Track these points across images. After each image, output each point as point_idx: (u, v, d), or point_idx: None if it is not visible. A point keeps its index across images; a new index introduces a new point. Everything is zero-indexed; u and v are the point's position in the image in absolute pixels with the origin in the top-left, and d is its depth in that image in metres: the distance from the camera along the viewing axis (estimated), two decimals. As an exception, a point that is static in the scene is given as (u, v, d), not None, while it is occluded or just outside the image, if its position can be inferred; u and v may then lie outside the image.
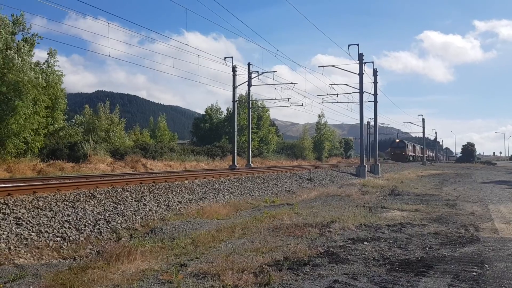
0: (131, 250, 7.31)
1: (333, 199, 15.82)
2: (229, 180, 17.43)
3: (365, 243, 8.12)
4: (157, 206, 11.70)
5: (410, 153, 76.56)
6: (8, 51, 25.16)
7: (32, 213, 8.62)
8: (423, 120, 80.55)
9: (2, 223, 7.83)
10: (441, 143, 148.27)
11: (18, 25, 27.92)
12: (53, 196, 9.83)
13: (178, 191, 13.59)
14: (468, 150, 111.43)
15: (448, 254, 7.32)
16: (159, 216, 11.09)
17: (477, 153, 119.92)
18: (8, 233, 7.61)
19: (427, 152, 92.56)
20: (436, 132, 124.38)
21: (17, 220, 8.13)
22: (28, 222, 8.20)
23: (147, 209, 11.21)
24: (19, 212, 8.46)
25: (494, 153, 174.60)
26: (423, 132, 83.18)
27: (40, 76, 27.18)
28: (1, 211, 8.26)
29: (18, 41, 27.45)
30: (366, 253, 7.29)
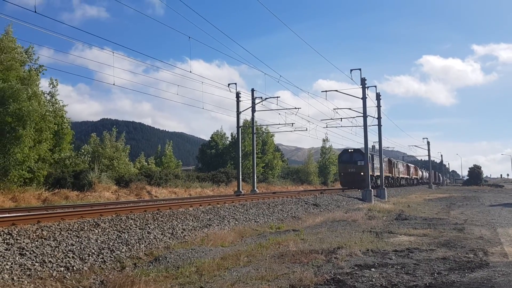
0: (135, 280, 7.23)
1: (339, 225, 15.64)
2: (234, 206, 17.33)
3: (372, 269, 7.99)
4: (162, 234, 11.61)
5: (395, 174, 53.83)
6: (15, 81, 25.59)
7: (36, 243, 8.58)
8: (428, 143, 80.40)
9: (6, 253, 7.79)
10: (447, 166, 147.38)
11: (27, 56, 28.55)
12: (57, 225, 9.80)
13: (182, 218, 13.50)
14: (475, 172, 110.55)
15: (457, 279, 7.18)
16: (163, 244, 10.99)
17: (484, 176, 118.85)
18: (12, 263, 7.56)
19: (432, 175, 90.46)
20: (441, 155, 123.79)
21: (21, 250, 8.09)
22: (31, 252, 8.15)
23: (152, 237, 11.13)
24: (23, 242, 8.42)
25: (501, 175, 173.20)
26: (429, 155, 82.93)
27: (45, 105, 27.56)
28: (5, 241, 8.23)
29: (25, 71, 27.96)
30: (374, 279, 7.16)
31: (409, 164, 72.15)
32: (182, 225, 12.87)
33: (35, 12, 12.37)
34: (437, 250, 10.05)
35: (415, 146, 79.56)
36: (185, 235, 12.22)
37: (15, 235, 8.57)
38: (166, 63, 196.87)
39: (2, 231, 8.65)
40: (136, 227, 11.34)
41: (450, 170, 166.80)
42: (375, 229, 14.01)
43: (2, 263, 7.45)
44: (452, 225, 15.45)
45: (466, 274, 7.57)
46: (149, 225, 11.83)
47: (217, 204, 17.18)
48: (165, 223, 12.53)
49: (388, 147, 74.79)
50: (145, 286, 6.93)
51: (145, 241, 10.69)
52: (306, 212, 20.90)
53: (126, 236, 10.50)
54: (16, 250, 8.02)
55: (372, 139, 77.51)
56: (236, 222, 15.29)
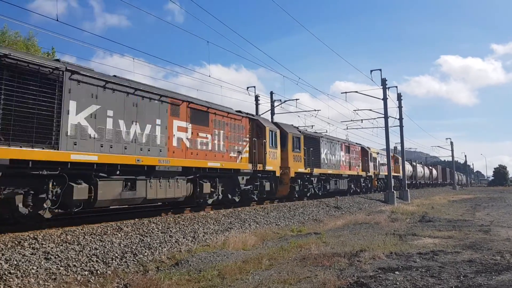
0: (158, 283, 7.29)
1: (361, 227, 15.47)
2: (254, 209, 17.32)
3: (396, 272, 7.86)
4: (183, 238, 11.67)
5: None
6: None
7: (61, 247, 8.71)
8: (451, 143, 79.14)
9: (31, 258, 7.93)
10: (471, 166, 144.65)
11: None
12: (81, 229, 9.94)
13: (204, 221, 13.55)
14: (500, 173, 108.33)
15: (484, 282, 7.01)
16: (185, 247, 11.04)
17: (510, 176, 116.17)
18: (38, 268, 7.69)
19: (457, 176, 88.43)
20: (465, 156, 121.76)
21: (46, 254, 8.23)
22: (56, 256, 8.28)
23: (173, 240, 11.19)
24: (48, 246, 8.56)
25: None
26: (452, 156, 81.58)
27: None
28: (31, 246, 8.39)
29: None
30: (398, 283, 7.05)
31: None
32: (203, 229, 12.91)
33: (57, 20, 12.60)
34: (462, 253, 9.84)
35: (438, 146, 78.44)
36: (206, 238, 12.26)
37: (40, 240, 8.72)
38: (186, 68, 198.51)
39: (28, 235, 8.82)
40: (158, 231, 11.42)
41: (474, 171, 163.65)
42: (398, 232, 13.81)
43: (28, 267, 7.59)
44: (478, 226, 15.12)
45: (493, 277, 7.38)
46: (170, 229, 11.90)
47: (237, 207, 17.20)
48: (187, 226, 12.59)
49: (410, 148, 73.88)
50: (168, 289, 6.96)
51: (167, 245, 10.76)
52: (328, 214, 20.74)
53: (149, 240, 10.59)
54: (42, 255, 8.16)
55: (394, 140, 76.67)
56: (257, 225, 15.26)
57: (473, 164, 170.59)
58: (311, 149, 24.39)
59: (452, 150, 79.97)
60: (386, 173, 35.26)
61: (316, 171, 24.79)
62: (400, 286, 6.86)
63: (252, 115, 19.99)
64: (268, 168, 19.36)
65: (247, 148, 18.42)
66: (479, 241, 11.56)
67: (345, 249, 10.35)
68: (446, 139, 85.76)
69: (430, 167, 70.22)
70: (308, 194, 24.39)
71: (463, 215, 20.89)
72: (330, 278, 7.31)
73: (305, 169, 23.36)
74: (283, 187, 21.24)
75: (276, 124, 22.28)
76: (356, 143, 35.00)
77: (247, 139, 18.49)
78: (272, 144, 20.17)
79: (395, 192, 31.58)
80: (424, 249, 10.41)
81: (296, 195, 23.03)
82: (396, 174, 43.08)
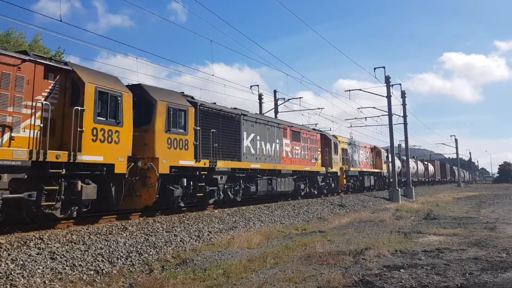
0: (163, 283, 7.31)
1: (366, 225, 15.45)
2: (259, 208, 17.32)
3: (402, 270, 7.85)
4: (188, 237, 11.69)
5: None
6: None
7: (66, 247, 8.75)
8: (456, 140, 78.84)
9: (37, 258, 7.97)
10: (476, 163, 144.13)
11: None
12: (86, 229, 9.97)
13: (208, 220, 13.57)
14: (505, 169, 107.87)
15: (489, 280, 6.99)
16: (190, 246, 11.06)
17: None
18: (44, 267, 7.73)
19: (462, 173, 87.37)
20: (470, 153, 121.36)
21: (52, 254, 8.26)
22: (62, 256, 8.32)
23: (178, 240, 11.21)
24: (54, 246, 8.60)
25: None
26: (457, 153, 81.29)
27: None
28: (37, 246, 8.42)
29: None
30: (403, 281, 7.04)
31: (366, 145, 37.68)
32: (208, 228, 12.93)
33: (61, 21, 12.62)
34: (468, 250, 9.81)
35: (442, 143, 77.91)
36: (211, 237, 12.28)
37: (46, 240, 8.76)
38: (189, 67, 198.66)
39: (34, 235, 8.86)
40: (163, 230, 11.45)
41: (479, 168, 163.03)
42: (403, 229, 13.79)
43: (34, 267, 7.63)
44: (483, 224, 15.08)
45: (499, 274, 7.36)
46: (175, 228, 11.92)
47: (241, 206, 17.20)
48: (191, 225, 12.61)
49: (414, 146, 73.49)
50: (173, 288, 6.98)
51: (172, 244, 10.78)
52: (332, 213, 20.73)
53: (154, 239, 10.61)
54: (47, 255, 8.20)
55: (398, 137, 76.43)
56: (262, 224, 15.27)
57: (477, 161, 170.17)
58: (213, 131, 15.57)
59: (456, 147, 79.72)
60: (359, 169, 31.69)
61: (224, 164, 16.09)
62: (406, 284, 6.85)
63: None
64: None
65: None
66: (485, 238, 11.52)
67: (350, 247, 10.34)
68: (451, 136, 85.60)
69: (426, 162, 61.69)
70: (211, 201, 15.74)
71: (468, 212, 20.83)
72: (335, 276, 7.31)
73: (196, 161, 14.49)
74: (145, 190, 12.70)
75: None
76: (314, 129, 26.69)
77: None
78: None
79: (399, 189, 31.46)
80: (429, 246, 10.39)
81: (176, 204, 14.05)
82: (376, 171, 36.89)
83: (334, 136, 28.80)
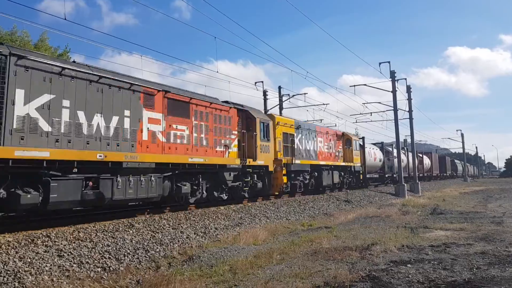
0: (170, 279, 7.32)
1: (372, 221, 15.41)
2: (264, 204, 17.33)
3: (409, 265, 7.83)
4: (194, 234, 11.71)
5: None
6: None
7: (73, 244, 8.79)
8: (462, 135, 78.44)
9: (45, 255, 8.01)
10: (482, 158, 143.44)
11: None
12: (93, 227, 10.02)
13: (214, 217, 13.59)
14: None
15: (497, 274, 6.96)
16: (196, 243, 11.09)
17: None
18: (51, 265, 7.77)
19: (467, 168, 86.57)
20: (476, 147, 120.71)
21: (59, 252, 8.31)
22: (69, 253, 8.36)
23: (184, 236, 11.24)
24: (61, 244, 8.64)
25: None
26: (463, 148, 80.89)
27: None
28: (44, 243, 8.47)
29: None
30: (410, 275, 7.02)
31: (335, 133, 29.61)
32: (214, 224, 12.95)
33: (65, 19, 12.62)
34: (475, 245, 9.77)
35: (448, 138, 77.46)
36: (217, 234, 12.30)
37: (53, 237, 8.81)
38: (193, 65, 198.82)
39: (41, 233, 8.91)
40: (169, 227, 11.48)
41: (486, 162, 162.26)
42: (409, 225, 13.74)
43: (41, 264, 7.68)
44: (490, 218, 15.00)
45: (507, 269, 7.32)
46: (181, 225, 11.95)
47: (247, 202, 17.22)
48: (197, 222, 12.64)
49: (420, 140, 73.09)
50: (180, 285, 7.00)
51: (178, 241, 10.81)
52: (338, 208, 20.70)
53: (160, 236, 10.65)
54: (55, 252, 8.24)
55: (403, 132, 76.08)
56: (267, 220, 15.28)
57: (484, 155, 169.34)
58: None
59: (462, 142, 79.30)
60: (314, 162, 23.61)
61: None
62: (413, 279, 6.83)
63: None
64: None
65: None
66: (492, 232, 11.46)
67: (356, 242, 10.32)
68: (457, 130, 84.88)
69: (421, 155, 53.05)
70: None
71: (475, 207, 20.73)
72: (342, 272, 7.30)
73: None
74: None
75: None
76: (227, 102, 17.40)
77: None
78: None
79: (405, 185, 31.32)
80: (436, 241, 10.35)
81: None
82: (344, 164, 28.47)
83: (269, 115, 21.67)
